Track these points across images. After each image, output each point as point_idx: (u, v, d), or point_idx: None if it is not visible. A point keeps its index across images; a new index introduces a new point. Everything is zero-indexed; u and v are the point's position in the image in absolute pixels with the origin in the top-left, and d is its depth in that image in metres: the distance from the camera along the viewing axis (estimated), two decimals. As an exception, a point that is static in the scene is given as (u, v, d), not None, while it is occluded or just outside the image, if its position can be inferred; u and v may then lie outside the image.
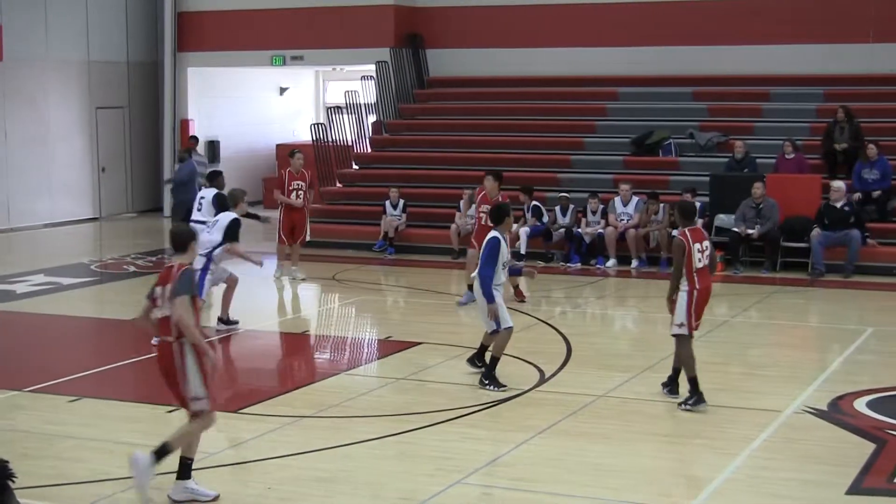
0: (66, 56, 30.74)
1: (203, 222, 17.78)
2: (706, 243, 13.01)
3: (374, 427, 12.21)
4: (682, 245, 12.80)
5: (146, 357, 15.71)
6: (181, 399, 10.18)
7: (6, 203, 28.40)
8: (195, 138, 30.86)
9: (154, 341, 10.32)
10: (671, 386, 13.35)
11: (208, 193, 19.32)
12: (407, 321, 18.33)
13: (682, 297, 12.89)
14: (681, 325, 12.89)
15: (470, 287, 17.79)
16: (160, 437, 12.00)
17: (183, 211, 24.71)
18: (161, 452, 9.98)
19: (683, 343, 13.00)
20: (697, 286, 12.85)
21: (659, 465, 11.26)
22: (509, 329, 13.81)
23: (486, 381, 13.71)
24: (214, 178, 19.66)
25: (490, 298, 13.47)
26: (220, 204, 18.28)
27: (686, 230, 12.95)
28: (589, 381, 14.16)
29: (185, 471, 10.11)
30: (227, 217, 16.76)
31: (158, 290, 9.98)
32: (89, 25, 31.35)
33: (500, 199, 16.98)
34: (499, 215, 13.91)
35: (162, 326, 9.96)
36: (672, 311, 13.00)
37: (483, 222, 18.08)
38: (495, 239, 13.54)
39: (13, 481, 3.57)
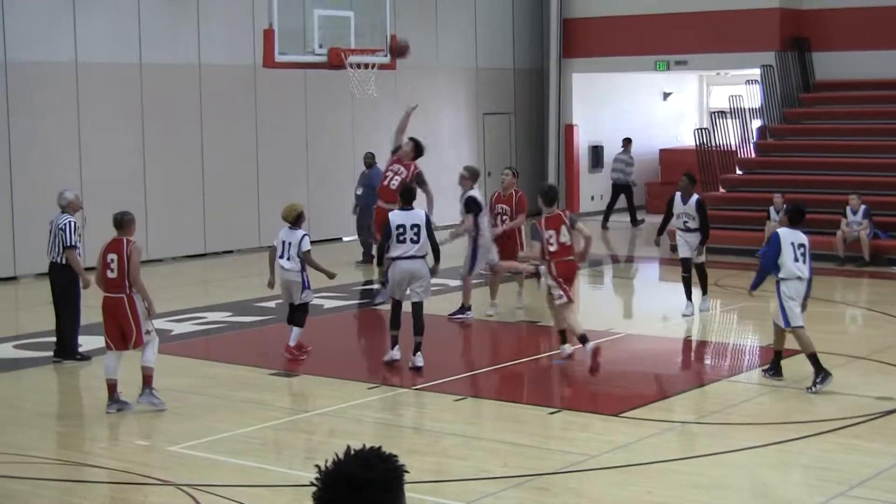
0: (456, 63, 31.60)
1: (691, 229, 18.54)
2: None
3: (755, 435, 12.01)
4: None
5: (528, 359, 15.98)
6: None
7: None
8: (628, 139, 31.39)
9: None
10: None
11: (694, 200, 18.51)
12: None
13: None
14: None
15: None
16: (543, 438, 12.19)
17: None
18: None
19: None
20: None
21: None
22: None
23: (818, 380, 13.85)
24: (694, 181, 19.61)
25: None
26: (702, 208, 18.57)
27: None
28: (984, 395, 13.49)
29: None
30: None
31: None
32: (478, 34, 32.14)
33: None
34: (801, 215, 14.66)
35: None
36: None
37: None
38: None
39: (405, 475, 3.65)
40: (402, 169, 18.30)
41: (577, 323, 15.12)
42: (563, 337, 15.44)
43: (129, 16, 24.35)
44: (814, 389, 13.68)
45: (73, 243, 15.42)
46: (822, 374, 13.75)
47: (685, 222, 18.44)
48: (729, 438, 11.98)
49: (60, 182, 19.89)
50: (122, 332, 13.20)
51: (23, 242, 22.11)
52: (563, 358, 15.35)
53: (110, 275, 13.21)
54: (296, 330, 15.59)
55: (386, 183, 18.13)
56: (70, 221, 15.51)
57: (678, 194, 18.63)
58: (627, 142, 31.96)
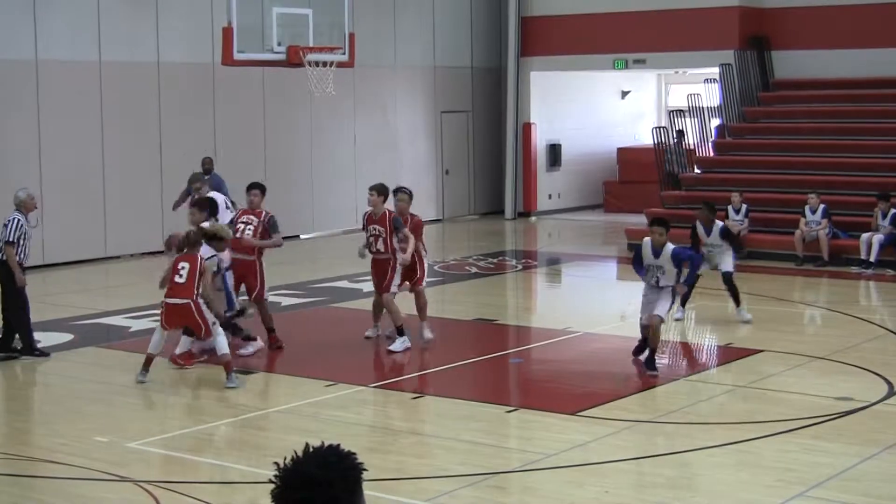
0: (414, 62, 31.54)
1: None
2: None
3: (714, 434, 12.03)
4: None
5: (485, 357, 15.96)
6: None
7: (356, 205, 29.30)
8: (681, 132, 31.02)
9: None
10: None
11: (718, 229, 18.17)
12: (748, 328, 18.00)
13: None
14: None
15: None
16: (500, 436, 12.18)
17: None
18: None
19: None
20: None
21: None
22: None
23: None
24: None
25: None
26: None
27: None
28: (941, 394, 13.57)
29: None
30: None
31: None
32: (436, 32, 32.09)
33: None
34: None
35: None
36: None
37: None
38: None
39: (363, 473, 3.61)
40: (254, 218, 16.07)
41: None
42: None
43: (89, 13, 24.20)
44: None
45: (11, 239, 15.35)
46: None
47: (709, 250, 18.00)
48: (687, 438, 12.00)
49: (20, 180, 19.76)
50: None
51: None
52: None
53: (179, 280, 14.12)
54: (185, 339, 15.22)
55: (238, 235, 15.86)
56: (14, 218, 15.46)
57: (699, 224, 18.11)
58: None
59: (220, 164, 26.49)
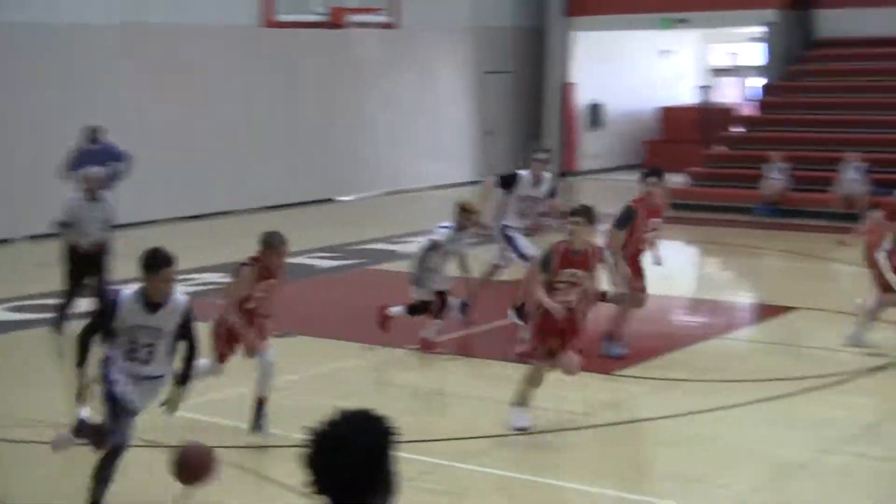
0: (456, 22, 31.38)
1: None
2: None
3: (747, 392, 12.01)
4: None
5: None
6: None
7: (397, 166, 29.34)
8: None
9: None
10: None
11: None
12: (783, 285, 17.90)
13: None
14: None
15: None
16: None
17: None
18: None
19: None
20: None
21: None
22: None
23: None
24: None
25: None
26: None
27: None
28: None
29: None
30: None
31: None
32: (478, -7, 31.96)
33: None
34: None
35: None
36: None
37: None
38: None
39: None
40: None
41: None
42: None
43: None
44: None
45: None
46: None
47: None
48: (721, 395, 11.95)
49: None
50: None
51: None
52: None
53: None
54: None
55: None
56: None
57: None
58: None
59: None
